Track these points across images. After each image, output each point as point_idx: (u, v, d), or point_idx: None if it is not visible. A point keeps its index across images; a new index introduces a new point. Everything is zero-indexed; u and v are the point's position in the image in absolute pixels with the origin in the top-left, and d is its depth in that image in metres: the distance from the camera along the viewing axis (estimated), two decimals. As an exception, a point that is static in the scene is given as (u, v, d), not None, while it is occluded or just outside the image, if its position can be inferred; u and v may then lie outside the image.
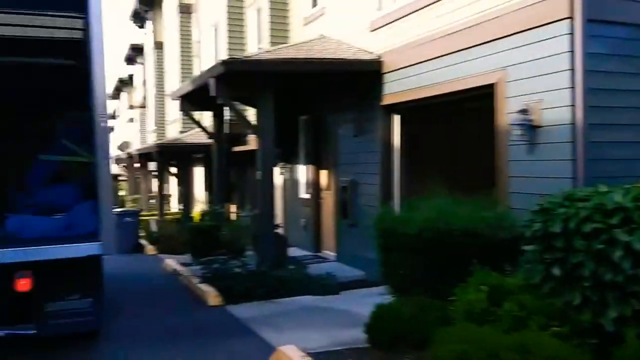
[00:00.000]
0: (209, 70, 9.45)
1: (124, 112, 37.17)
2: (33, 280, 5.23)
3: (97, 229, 5.56)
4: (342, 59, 9.19)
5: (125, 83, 34.40)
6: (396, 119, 9.00)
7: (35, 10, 7.72)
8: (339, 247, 10.59)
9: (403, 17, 8.53)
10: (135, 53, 29.41)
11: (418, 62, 8.04)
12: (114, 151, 41.23)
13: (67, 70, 8.68)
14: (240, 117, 9.81)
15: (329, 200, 11.22)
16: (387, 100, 8.86)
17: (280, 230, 11.11)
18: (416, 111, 8.84)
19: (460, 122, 9.27)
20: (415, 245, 5.87)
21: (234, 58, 9.08)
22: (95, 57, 5.45)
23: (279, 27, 12.76)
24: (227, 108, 11.25)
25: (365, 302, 6.52)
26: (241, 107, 11.89)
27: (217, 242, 10.86)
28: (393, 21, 8.78)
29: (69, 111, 8.16)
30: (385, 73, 8.85)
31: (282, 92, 9.71)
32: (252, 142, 13.01)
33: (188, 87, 11.26)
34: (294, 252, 11.17)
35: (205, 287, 8.48)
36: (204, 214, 16.08)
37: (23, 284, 5.20)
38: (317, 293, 8.19)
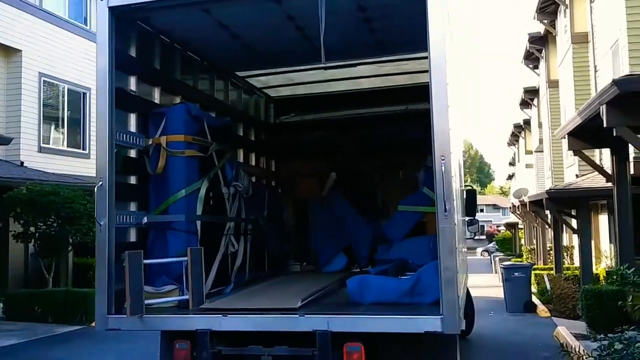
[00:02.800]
0: (598, 96, 7.57)
1: (521, 158, 35.96)
2: (364, 356, 4.41)
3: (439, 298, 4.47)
4: None
5: (521, 128, 33.37)
6: None
7: (394, 56, 7.39)
8: None
9: None
10: (529, 96, 28.17)
11: None
12: (510, 199, 40.19)
13: (424, 117, 8.13)
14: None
15: None
16: None
17: None
18: None
19: None
20: None
21: (630, 75, 7.06)
22: (434, 96, 4.57)
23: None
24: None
25: None
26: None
27: (623, 312, 8.50)
28: None
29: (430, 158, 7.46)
30: None
31: None
32: (668, 183, 10.20)
33: (575, 121, 9.41)
34: None
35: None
36: (609, 274, 13.48)
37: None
38: None
